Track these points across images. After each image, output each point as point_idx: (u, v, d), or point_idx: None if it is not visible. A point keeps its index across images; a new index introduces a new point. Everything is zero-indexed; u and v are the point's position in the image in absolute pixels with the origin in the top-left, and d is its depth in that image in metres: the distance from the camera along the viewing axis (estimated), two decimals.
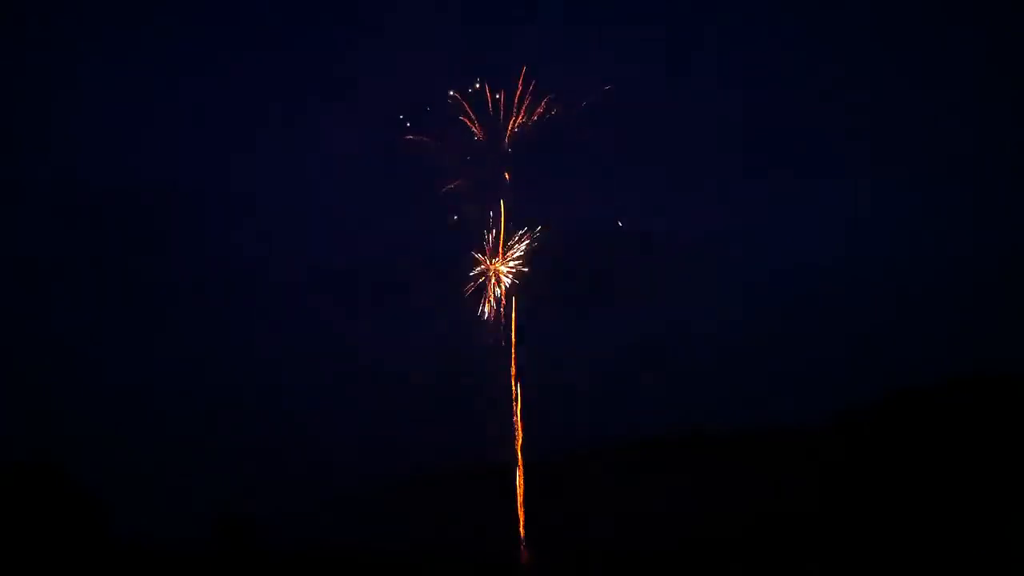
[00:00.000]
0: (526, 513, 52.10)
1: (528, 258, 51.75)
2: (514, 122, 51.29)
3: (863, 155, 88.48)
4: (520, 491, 52.20)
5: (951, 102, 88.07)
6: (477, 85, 51.24)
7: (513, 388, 51.88)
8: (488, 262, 51.72)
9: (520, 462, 51.99)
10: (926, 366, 61.15)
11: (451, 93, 51.42)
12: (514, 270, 51.70)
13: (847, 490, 50.82)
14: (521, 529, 52.02)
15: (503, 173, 51.56)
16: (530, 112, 51.36)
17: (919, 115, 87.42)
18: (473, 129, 51.63)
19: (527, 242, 51.77)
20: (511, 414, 51.68)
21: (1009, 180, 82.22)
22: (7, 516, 46.99)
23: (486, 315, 51.36)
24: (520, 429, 51.82)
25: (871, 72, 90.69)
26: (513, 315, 51.77)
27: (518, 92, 51.01)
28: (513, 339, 51.80)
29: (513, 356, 51.87)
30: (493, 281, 51.54)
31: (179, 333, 78.30)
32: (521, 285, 51.70)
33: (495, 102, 51.27)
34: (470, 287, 51.67)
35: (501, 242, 51.79)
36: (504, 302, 51.48)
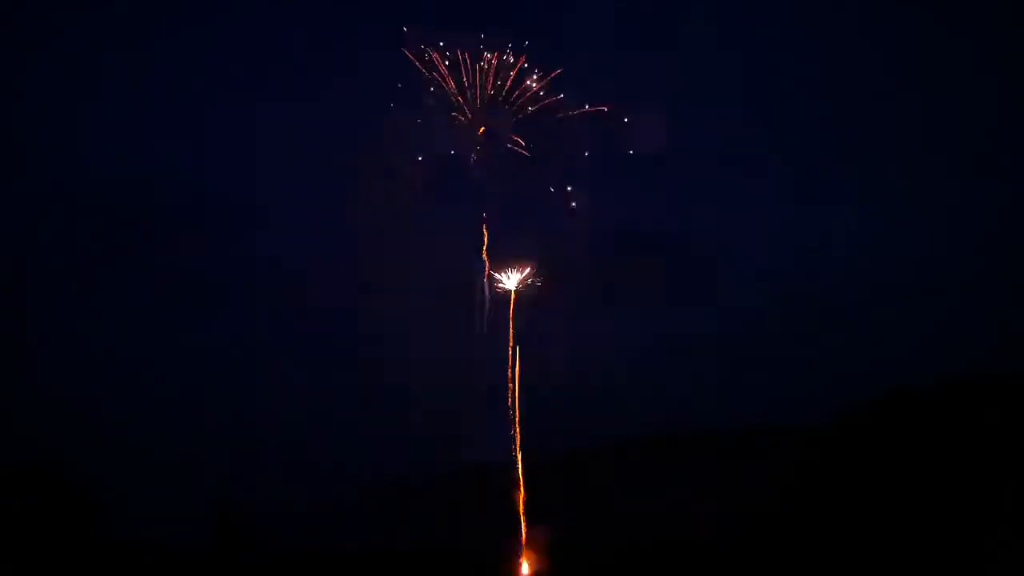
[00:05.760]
0: (526, 513, 52.09)
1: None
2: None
3: (863, 154, 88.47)
4: (520, 491, 52.20)
5: (951, 101, 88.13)
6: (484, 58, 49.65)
7: (512, 388, 51.84)
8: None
9: (520, 462, 51.99)
10: (926, 366, 61.14)
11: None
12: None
13: (847, 489, 50.86)
14: (522, 529, 51.99)
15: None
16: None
17: (919, 114, 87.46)
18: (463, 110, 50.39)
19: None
20: (511, 414, 51.66)
21: (1010, 179, 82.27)
22: (7, 516, 47.03)
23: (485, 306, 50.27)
24: (519, 429, 51.81)
25: (871, 71, 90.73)
26: (511, 315, 51.68)
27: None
28: (511, 339, 51.74)
29: (511, 355, 51.81)
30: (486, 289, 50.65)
31: (179, 333, 78.32)
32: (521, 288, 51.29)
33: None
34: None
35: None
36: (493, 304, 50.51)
